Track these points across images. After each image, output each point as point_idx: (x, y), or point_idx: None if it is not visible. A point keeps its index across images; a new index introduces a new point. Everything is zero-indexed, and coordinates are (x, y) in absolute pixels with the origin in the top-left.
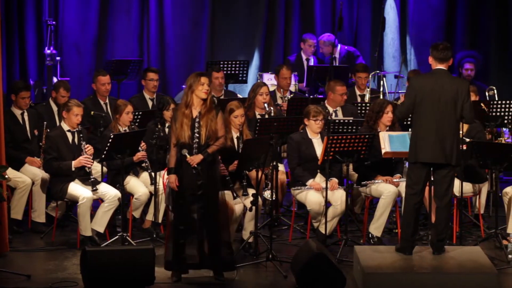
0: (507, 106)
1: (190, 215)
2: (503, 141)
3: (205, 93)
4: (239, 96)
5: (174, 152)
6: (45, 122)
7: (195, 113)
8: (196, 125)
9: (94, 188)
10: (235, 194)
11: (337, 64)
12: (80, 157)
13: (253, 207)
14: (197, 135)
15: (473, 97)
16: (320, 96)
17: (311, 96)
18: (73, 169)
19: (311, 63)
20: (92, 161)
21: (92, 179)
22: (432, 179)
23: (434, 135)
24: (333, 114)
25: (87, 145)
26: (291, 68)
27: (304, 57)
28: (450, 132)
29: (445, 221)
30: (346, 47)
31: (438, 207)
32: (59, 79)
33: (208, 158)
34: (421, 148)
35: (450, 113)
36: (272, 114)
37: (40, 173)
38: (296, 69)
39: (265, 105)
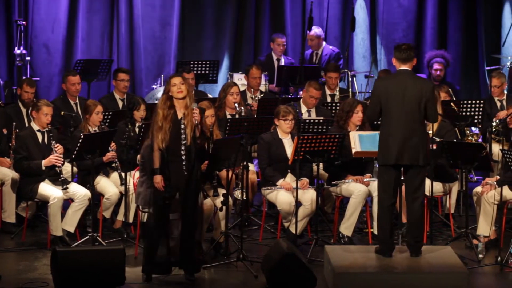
0: (477, 106)
1: (168, 216)
2: (473, 141)
3: (180, 93)
4: (209, 96)
5: (157, 154)
6: (14, 123)
7: (179, 114)
8: (182, 126)
9: (64, 187)
10: (205, 194)
11: (305, 64)
12: (50, 156)
13: (224, 207)
14: (184, 136)
15: (446, 97)
16: (290, 96)
17: (282, 96)
18: (43, 168)
19: (282, 63)
20: (62, 159)
21: (62, 178)
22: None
23: (400, 136)
24: (306, 114)
25: (57, 144)
26: (261, 68)
27: (274, 57)
28: (416, 133)
29: (420, 223)
30: (331, 47)
31: (410, 209)
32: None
33: (202, 142)
34: (388, 150)
35: (414, 114)
36: (243, 114)
37: (10, 173)
38: (267, 69)
39: (236, 105)
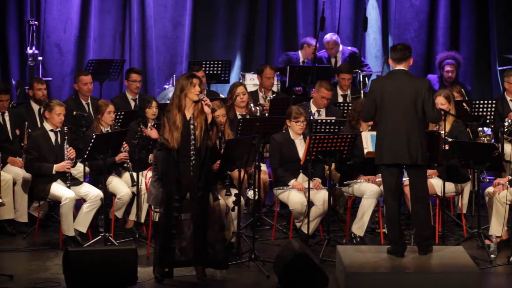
0: (489, 106)
1: (179, 216)
2: (485, 141)
3: (197, 96)
4: (221, 96)
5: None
6: (26, 123)
7: (188, 115)
8: (191, 127)
9: (68, 184)
10: (215, 196)
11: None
12: (63, 162)
13: (236, 207)
14: (193, 137)
15: (458, 97)
16: (302, 96)
17: (293, 96)
18: (53, 172)
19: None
20: (71, 165)
21: (68, 184)
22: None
23: (396, 136)
24: (316, 114)
25: (70, 148)
26: (274, 68)
27: (301, 58)
28: (413, 132)
29: (426, 221)
30: (349, 48)
31: (414, 210)
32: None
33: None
34: (384, 150)
35: (410, 113)
36: (258, 115)
37: (22, 173)
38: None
39: (251, 105)
